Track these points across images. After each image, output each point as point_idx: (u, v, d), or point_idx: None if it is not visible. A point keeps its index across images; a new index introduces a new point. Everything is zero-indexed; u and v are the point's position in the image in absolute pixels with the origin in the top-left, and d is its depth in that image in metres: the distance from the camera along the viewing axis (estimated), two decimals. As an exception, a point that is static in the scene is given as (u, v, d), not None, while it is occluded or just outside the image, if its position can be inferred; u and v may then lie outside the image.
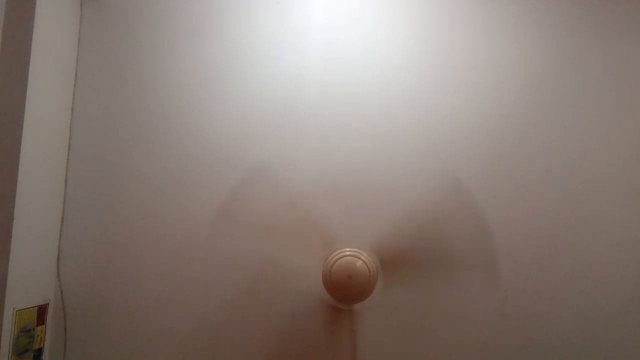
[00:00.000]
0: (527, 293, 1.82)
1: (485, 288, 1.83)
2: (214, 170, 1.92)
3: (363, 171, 1.89)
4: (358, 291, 1.73)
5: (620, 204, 1.85)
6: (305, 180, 1.89)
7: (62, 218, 1.94)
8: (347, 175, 1.89)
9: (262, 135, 1.93)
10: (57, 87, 1.92)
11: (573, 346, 1.80)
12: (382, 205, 1.86)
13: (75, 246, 1.93)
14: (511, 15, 1.94)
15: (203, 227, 1.90)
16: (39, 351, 1.84)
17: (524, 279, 1.83)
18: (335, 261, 1.73)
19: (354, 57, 1.95)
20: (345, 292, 1.73)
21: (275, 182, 1.89)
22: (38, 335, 1.83)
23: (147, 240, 1.91)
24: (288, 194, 1.87)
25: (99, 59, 2.02)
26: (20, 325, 1.73)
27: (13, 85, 1.74)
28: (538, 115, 1.89)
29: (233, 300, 1.86)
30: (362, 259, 1.73)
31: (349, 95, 1.93)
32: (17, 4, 1.79)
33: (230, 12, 2.00)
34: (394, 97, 1.92)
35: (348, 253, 1.75)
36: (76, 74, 2.01)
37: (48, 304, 1.88)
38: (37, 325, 1.82)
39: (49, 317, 1.89)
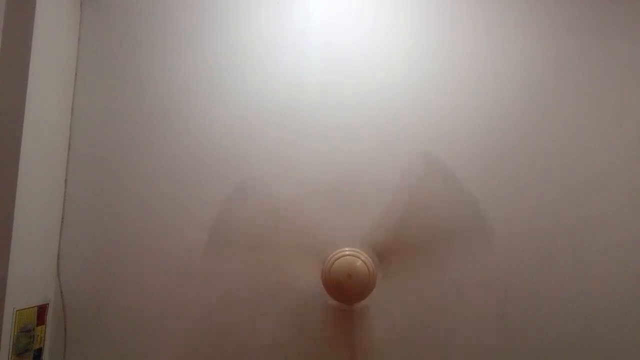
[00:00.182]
0: (527, 293, 1.82)
1: (485, 286, 1.83)
2: (214, 170, 1.92)
3: (363, 171, 1.89)
4: (358, 291, 1.73)
5: (620, 204, 1.85)
6: (305, 180, 1.89)
7: (62, 218, 1.94)
8: (347, 175, 1.89)
9: (262, 135, 1.93)
10: (57, 87, 1.92)
11: (573, 346, 1.80)
12: (381, 206, 1.86)
13: (75, 246, 1.93)
14: (511, 16, 1.95)
15: (203, 227, 1.90)
16: (39, 351, 1.84)
17: (524, 279, 1.83)
18: (335, 261, 1.73)
19: (354, 57, 1.95)
20: (344, 291, 1.73)
21: (274, 184, 1.89)
22: (38, 335, 1.83)
23: (147, 240, 1.91)
24: (286, 193, 1.88)
25: (99, 59, 2.02)
26: (20, 325, 1.73)
27: (13, 85, 1.74)
28: (538, 115, 1.89)
29: (233, 301, 1.86)
30: (361, 259, 1.73)
31: (349, 95, 1.93)
32: (17, 3, 1.79)
33: (230, 12, 2.00)
34: (394, 97, 1.92)
35: (347, 253, 1.75)
36: (76, 74, 2.01)
37: (48, 304, 1.88)
38: (37, 325, 1.82)
39: (49, 317, 1.89)
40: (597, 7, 1.94)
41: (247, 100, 1.95)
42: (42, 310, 1.84)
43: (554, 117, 1.89)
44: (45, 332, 1.87)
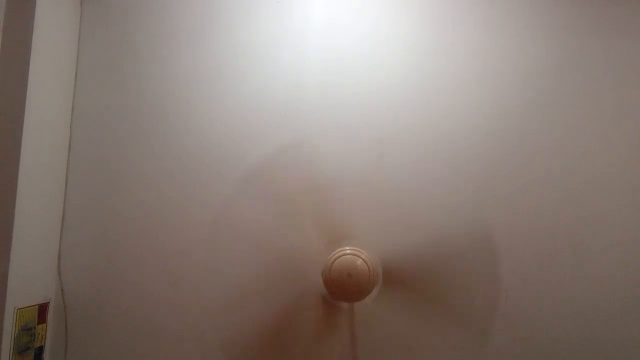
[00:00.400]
0: (527, 293, 1.82)
1: (486, 287, 1.83)
2: (214, 170, 1.92)
3: (363, 171, 1.89)
4: (358, 289, 1.73)
5: (620, 204, 1.85)
6: (305, 180, 1.88)
7: (63, 217, 1.95)
8: (347, 175, 1.89)
9: (262, 135, 1.93)
10: (57, 87, 1.93)
11: (573, 346, 1.80)
12: (381, 206, 1.86)
13: (75, 245, 1.94)
14: (511, 16, 1.94)
15: (203, 227, 1.90)
16: (40, 349, 1.85)
17: (524, 279, 1.82)
18: (335, 259, 1.73)
19: (354, 57, 1.95)
20: (345, 290, 1.73)
21: (275, 181, 1.89)
22: (39, 334, 1.83)
23: (147, 240, 1.92)
24: (286, 193, 1.88)
25: (99, 59, 2.03)
26: (21, 323, 1.74)
27: (13, 85, 1.75)
28: (538, 115, 1.89)
29: (232, 300, 1.86)
30: (362, 258, 1.73)
31: (349, 95, 1.93)
32: (17, 3, 1.79)
33: (230, 12, 2.00)
34: (394, 97, 1.92)
35: (348, 251, 1.75)
36: (76, 74, 2.01)
37: (49, 302, 1.88)
38: (38, 323, 1.82)
39: (50, 316, 1.89)
40: (597, 7, 1.93)
41: (247, 100, 1.95)
42: (42, 309, 1.85)
43: (554, 117, 1.89)
44: (46, 331, 1.87)
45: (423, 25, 1.95)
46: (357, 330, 1.82)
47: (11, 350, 1.69)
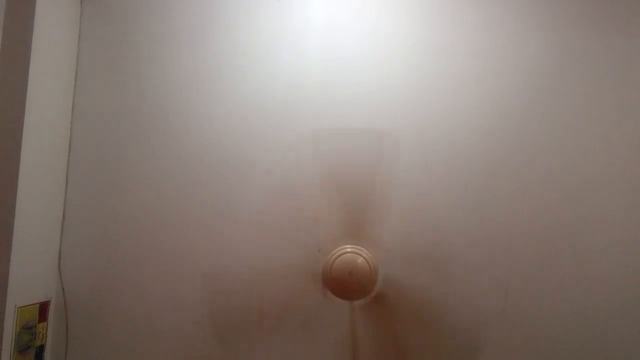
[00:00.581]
0: (527, 293, 1.82)
1: (486, 285, 1.83)
2: (214, 170, 1.93)
3: (363, 171, 1.88)
4: (359, 288, 1.73)
5: (620, 204, 1.85)
6: (305, 179, 1.89)
7: (63, 217, 1.95)
8: (347, 175, 1.88)
9: (262, 135, 1.93)
10: (57, 87, 1.93)
11: (573, 346, 1.79)
12: (380, 206, 1.86)
13: (75, 245, 1.94)
14: (511, 17, 1.94)
15: (203, 227, 1.90)
16: (41, 348, 1.85)
17: (524, 279, 1.82)
18: (336, 258, 1.74)
19: (354, 57, 1.95)
20: (346, 288, 1.74)
21: (275, 181, 1.90)
22: (40, 332, 1.84)
23: (147, 240, 1.92)
24: (287, 193, 1.88)
25: (99, 58, 2.03)
26: (22, 322, 1.75)
27: (13, 85, 1.75)
28: (538, 115, 1.89)
29: (233, 300, 1.87)
30: (362, 256, 1.74)
31: (349, 96, 1.93)
32: (17, 2, 1.79)
33: (230, 12, 2.00)
34: (394, 97, 1.92)
35: (349, 250, 1.76)
36: (76, 74, 2.01)
37: (49, 301, 1.89)
38: (39, 322, 1.83)
39: (51, 314, 1.90)
40: (597, 7, 1.92)
41: (247, 100, 1.95)
42: (43, 308, 1.85)
43: (554, 117, 1.88)
44: (47, 329, 1.88)
45: (423, 25, 1.95)
46: (357, 329, 1.82)
47: (12, 349, 1.69)
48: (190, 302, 1.89)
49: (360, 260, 1.73)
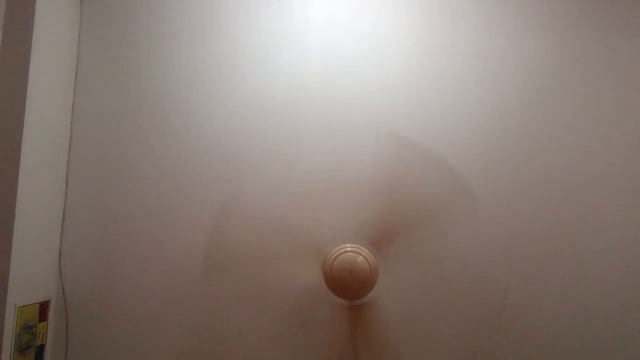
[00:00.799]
0: (527, 293, 1.82)
1: (486, 285, 1.83)
2: (214, 170, 1.93)
3: (363, 171, 1.89)
4: (359, 287, 1.74)
5: (620, 204, 1.84)
6: (305, 179, 1.89)
7: (63, 216, 1.96)
8: (347, 175, 1.89)
9: (262, 135, 1.93)
10: (57, 87, 1.93)
11: (573, 346, 1.79)
12: (381, 206, 1.86)
13: (75, 245, 1.95)
14: (511, 17, 1.94)
15: (203, 227, 1.91)
16: (41, 347, 1.86)
17: (524, 279, 1.82)
18: (336, 257, 1.74)
19: (354, 57, 1.95)
20: (346, 288, 1.74)
21: (275, 180, 1.90)
22: (40, 332, 1.84)
23: (147, 240, 1.93)
24: (286, 193, 1.88)
25: (99, 58, 2.03)
26: (22, 321, 1.75)
27: (13, 85, 1.76)
28: (538, 115, 1.89)
29: (233, 300, 1.87)
30: (363, 255, 1.74)
31: (349, 96, 1.93)
32: (17, 2, 1.80)
33: (230, 12, 2.01)
34: (394, 97, 1.92)
35: (349, 249, 1.76)
36: (76, 74, 2.02)
37: (50, 300, 1.89)
38: (39, 321, 1.83)
39: (51, 314, 1.90)
40: (597, 7, 1.92)
41: (247, 100, 1.95)
42: (43, 307, 1.86)
43: (554, 117, 1.88)
44: (47, 329, 1.88)
45: (423, 25, 1.95)
46: (357, 328, 1.82)
47: (12, 348, 1.70)
48: (189, 302, 1.89)
49: (360, 259, 1.73)
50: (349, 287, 1.73)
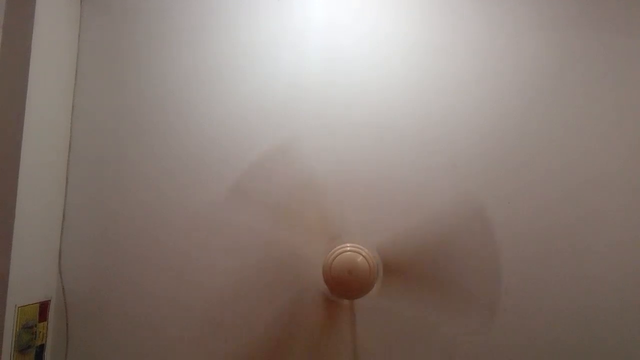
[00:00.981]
0: (527, 293, 1.82)
1: (486, 285, 1.83)
2: (214, 170, 1.93)
3: (363, 171, 1.89)
4: (358, 286, 1.73)
5: (620, 204, 1.84)
6: (304, 179, 1.89)
7: (63, 216, 1.96)
8: (347, 175, 1.89)
9: (262, 135, 1.93)
10: (57, 87, 1.93)
11: (573, 346, 1.79)
12: (380, 205, 1.87)
13: (76, 245, 1.95)
14: (511, 17, 1.93)
15: (203, 227, 1.91)
16: (41, 347, 1.86)
17: (524, 279, 1.82)
18: (336, 257, 1.73)
19: (354, 57, 1.95)
20: (345, 287, 1.73)
21: (274, 183, 1.90)
22: (40, 332, 1.84)
23: (147, 240, 1.92)
24: (286, 193, 1.89)
25: (99, 58, 2.03)
26: (22, 321, 1.75)
27: (13, 85, 1.75)
28: (538, 115, 1.89)
29: (232, 300, 1.87)
30: (362, 255, 1.73)
31: (349, 96, 1.93)
32: (17, 2, 1.80)
33: (230, 12, 2.00)
34: (394, 97, 1.92)
35: (349, 248, 1.76)
36: (76, 74, 2.02)
37: (50, 300, 1.89)
38: (39, 321, 1.83)
39: (51, 314, 1.90)
40: (597, 7, 1.92)
41: (247, 100, 1.95)
42: (43, 307, 1.86)
43: (554, 117, 1.88)
44: (47, 329, 1.88)
45: (423, 25, 1.95)
46: (357, 328, 1.82)
47: (12, 348, 1.70)
48: (190, 302, 1.89)
49: (359, 259, 1.72)
50: (348, 286, 1.73)
